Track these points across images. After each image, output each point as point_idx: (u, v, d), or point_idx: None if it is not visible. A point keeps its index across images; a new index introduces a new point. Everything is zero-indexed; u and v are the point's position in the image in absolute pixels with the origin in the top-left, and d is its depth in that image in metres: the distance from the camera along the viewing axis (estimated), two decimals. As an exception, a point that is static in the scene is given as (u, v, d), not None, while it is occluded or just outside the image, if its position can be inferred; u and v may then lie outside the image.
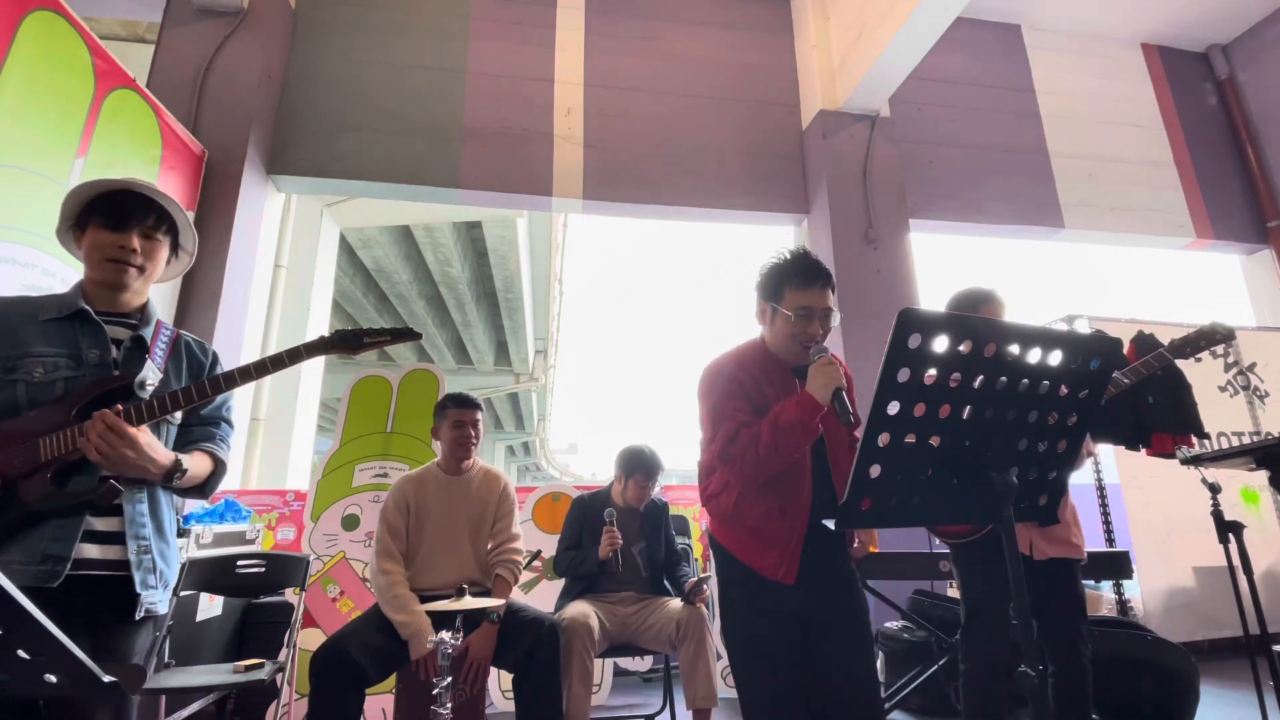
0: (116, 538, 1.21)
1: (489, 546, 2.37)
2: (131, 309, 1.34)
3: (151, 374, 1.28)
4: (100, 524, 1.20)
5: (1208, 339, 2.16)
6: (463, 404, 2.39)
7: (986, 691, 1.88)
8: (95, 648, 1.14)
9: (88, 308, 1.26)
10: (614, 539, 2.50)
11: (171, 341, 1.37)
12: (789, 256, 1.57)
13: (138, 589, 1.20)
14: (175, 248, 1.39)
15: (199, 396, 1.26)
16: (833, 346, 4.51)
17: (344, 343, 1.35)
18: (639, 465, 2.66)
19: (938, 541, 2.15)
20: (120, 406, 1.18)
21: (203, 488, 1.36)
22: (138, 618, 1.21)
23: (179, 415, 1.33)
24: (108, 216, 1.27)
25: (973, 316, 0.98)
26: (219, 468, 1.39)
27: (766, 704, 1.49)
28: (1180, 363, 3.37)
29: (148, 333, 1.32)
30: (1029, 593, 2.07)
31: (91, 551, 1.18)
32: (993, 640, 1.90)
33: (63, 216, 1.30)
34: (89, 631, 1.15)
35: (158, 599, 1.26)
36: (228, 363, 1.48)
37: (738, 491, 1.55)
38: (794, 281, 1.53)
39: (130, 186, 1.30)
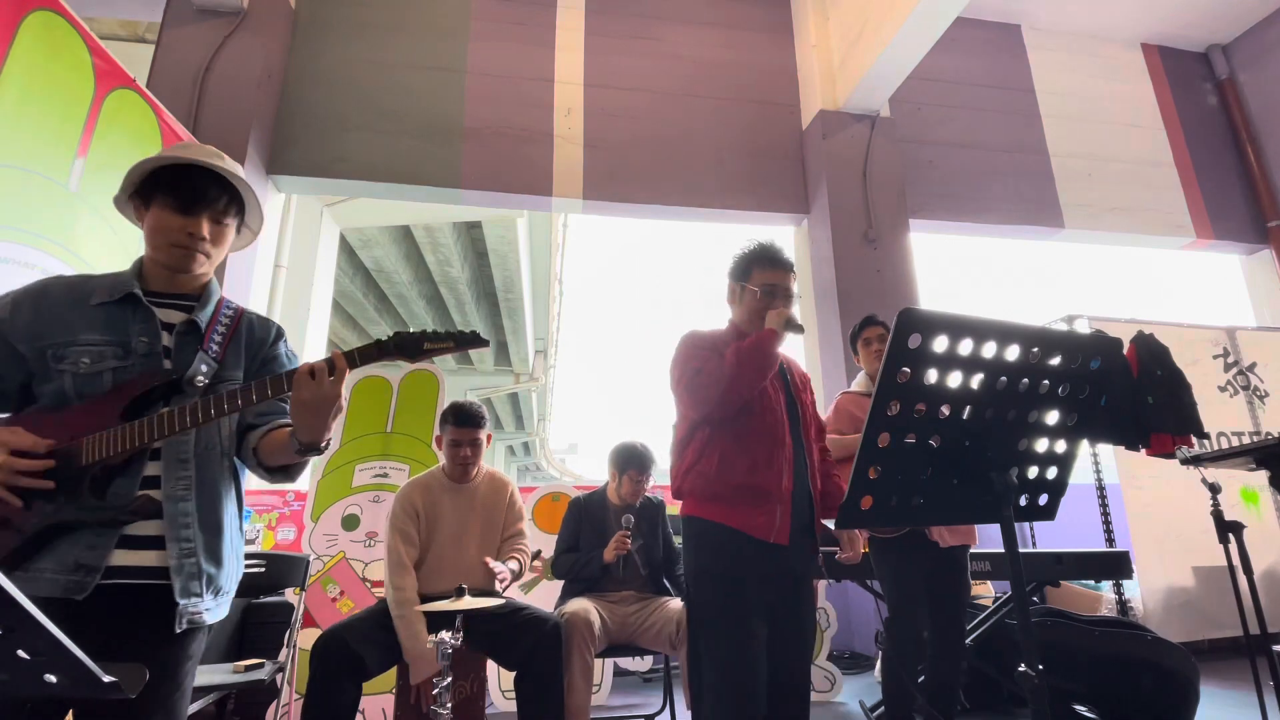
0: (158, 541, 1.10)
1: (499, 543, 2.37)
2: (191, 289, 1.23)
3: (204, 366, 1.18)
4: (140, 528, 1.09)
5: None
6: (462, 421, 2.28)
7: (903, 675, 2.10)
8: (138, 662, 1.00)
9: (137, 291, 1.16)
10: (623, 543, 2.48)
11: (234, 322, 1.26)
12: (758, 244, 1.75)
13: (177, 598, 1.08)
14: (240, 225, 1.29)
15: (259, 397, 1.12)
16: (833, 346, 4.47)
17: (401, 349, 1.18)
18: (632, 461, 2.64)
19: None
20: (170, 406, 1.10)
21: (291, 470, 1.24)
22: (178, 630, 1.09)
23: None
24: (177, 197, 1.16)
25: (973, 317, 0.98)
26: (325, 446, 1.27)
27: (733, 673, 1.53)
28: (1180, 363, 3.38)
29: (204, 316, 1.22)
30: (935, 577, 2.15)
31: (128, 558, 1.07)
32: (911, 629, 2.12)
33: (125, 184, 1.19)
34: (128, 646, 1.04)
35: (204, 607, 1.13)
36: None
37: (720, 451, 1.63)
38: (761, 264, 1.71)
39: (202, 163, 1.18)
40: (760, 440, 1.64)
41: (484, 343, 1.23)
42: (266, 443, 1.23)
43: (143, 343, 1.15)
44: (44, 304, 1.14)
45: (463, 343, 1.21)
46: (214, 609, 1.16)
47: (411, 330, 1.20)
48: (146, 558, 1.09)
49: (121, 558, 1.07)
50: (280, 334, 1.35)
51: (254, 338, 1.30)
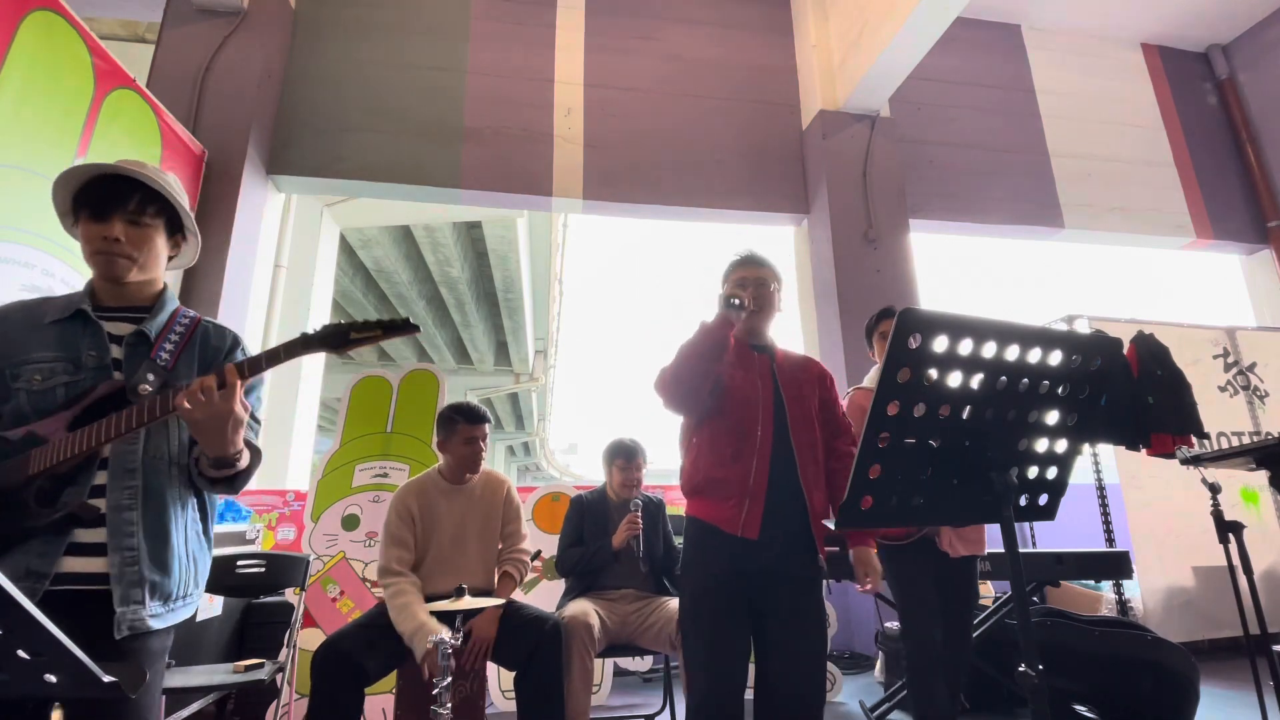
0: (104, 549, 1.12)
1: (499, 548, 2.38)
2: (141, 300, 1.26)
3: (151, 375, 1.19)
4: (88, 535, 1.11)
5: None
6: (474, 419, 2.33)
7: (931, 683, 2.01)
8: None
9: (85, 307, 1.20)
10: (634, 525, 2.51)
11: (188, 331, 1.28)
12: (736, 254, 1.87)
13: (115, 605, 1.09)
14: (179, 230, 1.29)
15: (162, 411, 1.11)
16: (833, 346, 4.46)
17: (325, 342, 1.15)
18: (618, 452, 2.73)
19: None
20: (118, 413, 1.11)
21: (234, 480, 1.23)
22: (118, 636, 1.09)
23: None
24: (90, 206, 1.19)
25: (973, 317, 0.98)
26: (255, 458, 1.26)
27: (705, 668, 1.57)
28: (1180, 363, 3.38)
29: (154, 326, 1.24)
30: (944, 585, 2.12)
31: (76, 565, 1.10)
32: (930, 634, 2.05)
33: (59, 210, 1.24)
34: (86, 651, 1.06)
35: (147, 614, 1.13)
36: None
37: (698, 448, 1.71)
38: (736, 266, 1.84)
39: (110, 170, 1.20)
40: (729, 435, 1.67)
41: (414, 328, 1.19)
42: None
43: (92, 356, 1.18)
44: (2, 328, 1.18)
45: (392, 330, 1.17)
46: (164, 615, 1.16)
47: (341, 322, 1.19)
48: (92, 564, 1.12)
49: (70, 564, 1.10)
50: (237, 343, 1.35)
51: (209, 346, 1.30)
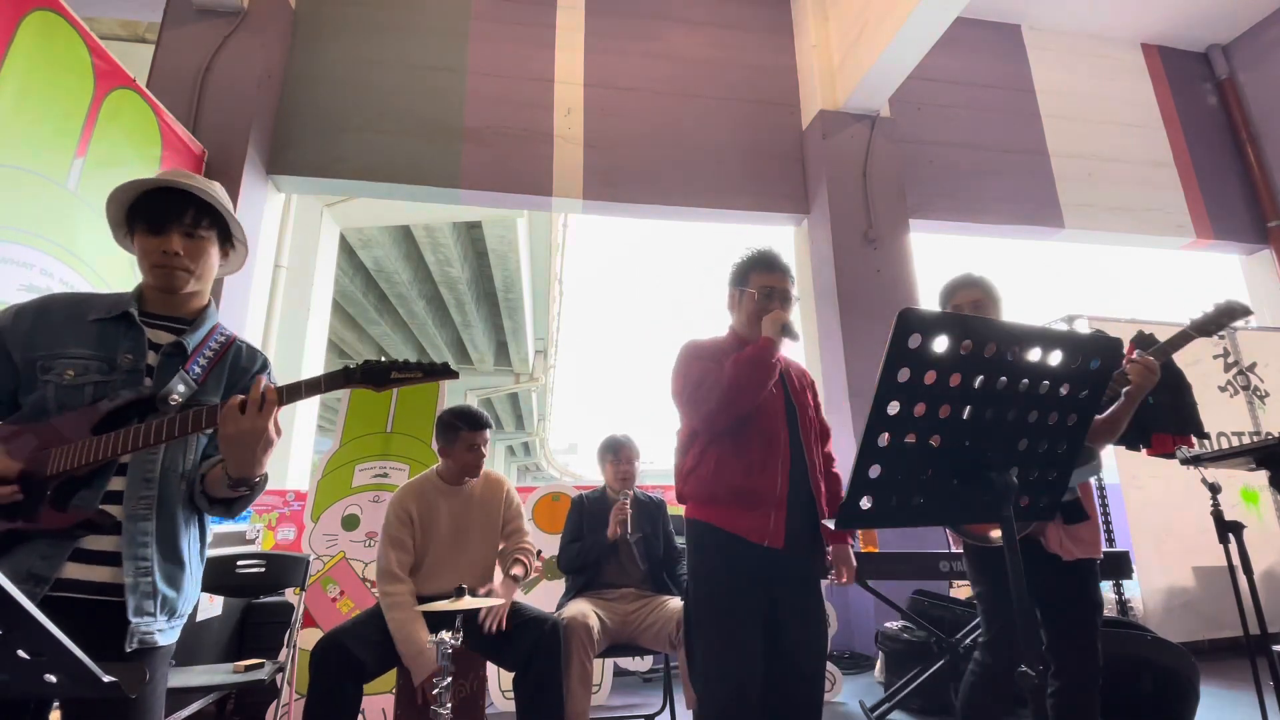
0: (113, 558, 1.10)
1: (502, 547, 2.38)
2: (186, 312, 1.27)
3: (181, 386, 1.20)
4: (95, 543, 1.10)
5: (1228, 315, 1.99)
6: (476, 425, 2.33)
7: (998, 694, 1.80)
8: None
9: (132, 310, 1.21)
10: (622, 510, 2.56)
11: (222, 349, 1.29)
12: (756, 250, 1.78)
13: (130, 616, 1.08)
14: (228, 239, 1.31)
15: (193, 427, 1.12)
16: (833, 347, 4.45)
17: (367, 378, 1.19)
18: (610, 449, 2.80)
19: (954, 542, 2.08)
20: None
21: (233, 504, 1.22)
22: (128, 649, 1.08)
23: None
24: (147, 219, 1.21)
25: (973, 317, 0.98)
26: (261, 483, 1.24)
27: (722, 670, 1.56)
28: (1180, 363, 3.38)
29: (193, 339, 1.24)
30: (1056, 596, 1.87)
31: (80, 572, 1.08)
32: (1011, 645, 1.79)
33: (112, 223, 1.25)
34: None
35: (156, 628, 1.12)
36: None
37: (717, 456, 1.66)
38: (759, 268, 1.75)
39: (165, 183, 1.21)
40: (755, 444, 1.65)
41: (453, 374, 1.23)
42: (213, 474, 1.22)
43: (128, 359, 1.18)
44: (44, 316, 1.18)
45: (432, 374, 1.21)
46: (167, 630, 1.16)
47: (382, 360, 1.21)
48: (99, 573, 1.10)
49: (73, 571, 1.08)
50: (265, 365, 1.36)
51: (239, 365, 1.31)
